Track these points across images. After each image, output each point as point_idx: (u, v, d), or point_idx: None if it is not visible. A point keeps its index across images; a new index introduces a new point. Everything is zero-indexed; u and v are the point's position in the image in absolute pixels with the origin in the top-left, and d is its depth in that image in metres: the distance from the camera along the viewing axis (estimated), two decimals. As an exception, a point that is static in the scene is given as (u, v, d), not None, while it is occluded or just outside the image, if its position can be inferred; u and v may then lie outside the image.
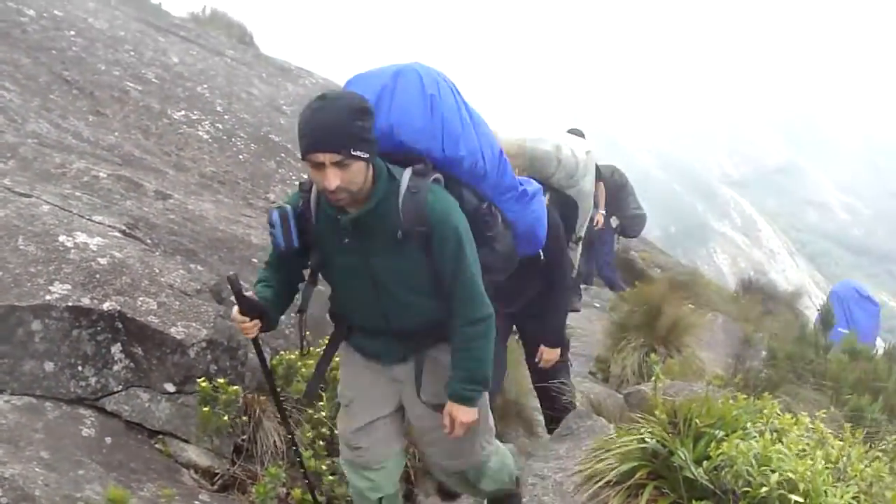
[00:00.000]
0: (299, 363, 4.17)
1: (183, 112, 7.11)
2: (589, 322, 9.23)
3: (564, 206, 4.69)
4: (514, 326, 4.91)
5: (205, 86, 7.93)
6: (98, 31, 7.94)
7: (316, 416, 4.13)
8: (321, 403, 4.16)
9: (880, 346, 8.38)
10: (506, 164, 3.25)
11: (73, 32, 7.54)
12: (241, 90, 8.43)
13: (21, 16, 7.27)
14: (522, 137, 4.53)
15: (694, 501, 2.79)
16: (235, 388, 3.90)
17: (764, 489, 2.66)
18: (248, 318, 2.92)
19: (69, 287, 3.83)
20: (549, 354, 4.68)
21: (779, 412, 3.21)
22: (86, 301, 3.79)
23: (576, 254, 5.15)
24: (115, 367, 3.78)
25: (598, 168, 9.65)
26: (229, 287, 2.91)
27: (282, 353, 4.27)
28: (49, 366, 3.65)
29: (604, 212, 9.42)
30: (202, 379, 3.88)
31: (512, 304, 4.47)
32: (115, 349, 3.80)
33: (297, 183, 5.33)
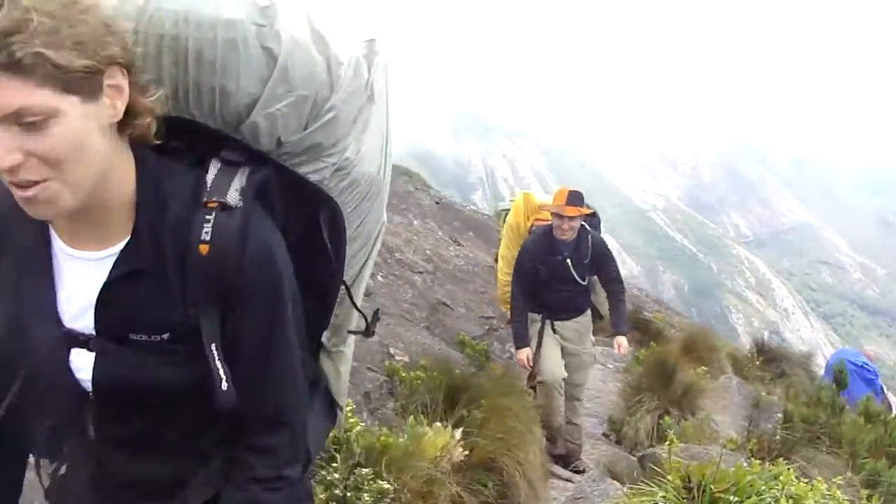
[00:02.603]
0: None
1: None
2: (603, 383, 9.19)
3: (302, 206, 1.45)
4: None
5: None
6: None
7: (329, 478, 4.10)
8: (334, 465, 4.13)
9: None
10: None
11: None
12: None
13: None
14: None
15: (709, 569, 2.77)
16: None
17: (780, 557, 2.65)
18: None
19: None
20: None
21: (794, 478, 3.19)
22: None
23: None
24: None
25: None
26: None
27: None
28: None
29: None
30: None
31: None
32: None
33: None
